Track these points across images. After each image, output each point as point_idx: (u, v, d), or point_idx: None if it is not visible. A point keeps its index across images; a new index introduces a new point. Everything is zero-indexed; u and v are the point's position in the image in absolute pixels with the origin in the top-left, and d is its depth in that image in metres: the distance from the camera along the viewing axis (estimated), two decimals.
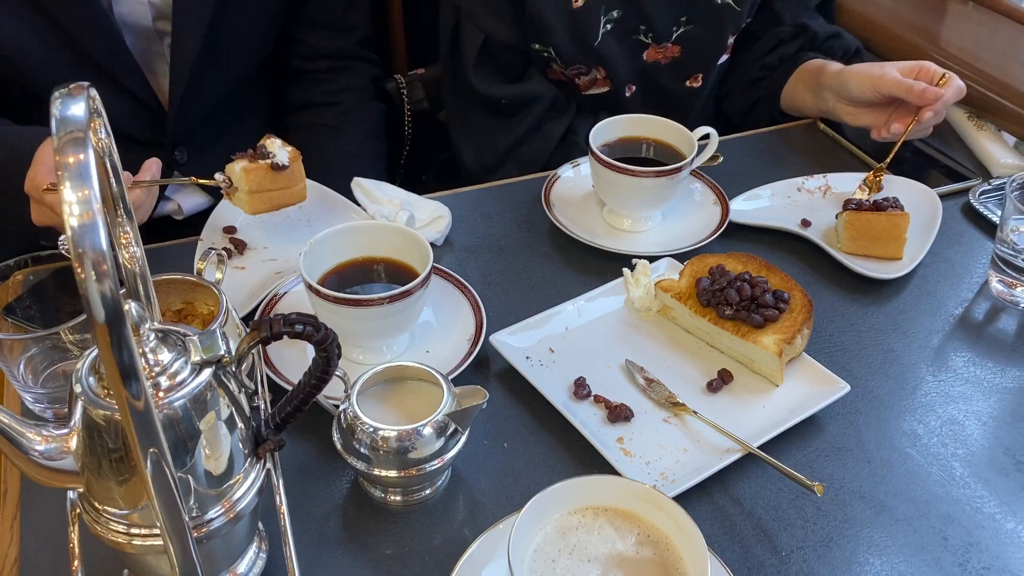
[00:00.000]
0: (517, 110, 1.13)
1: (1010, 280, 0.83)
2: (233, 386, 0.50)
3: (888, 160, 0.96)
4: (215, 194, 0.97)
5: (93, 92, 0.41)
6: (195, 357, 0.48)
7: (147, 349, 0.46)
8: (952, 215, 0.95)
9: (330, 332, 0.50)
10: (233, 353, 0.49)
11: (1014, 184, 0.82)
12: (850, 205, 0.88)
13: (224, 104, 1.08)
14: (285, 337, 0.48)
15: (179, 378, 0.47)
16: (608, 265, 0.85)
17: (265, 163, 0.81)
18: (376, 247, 0.75)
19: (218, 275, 0.69)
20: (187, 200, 1.10)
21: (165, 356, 0.47)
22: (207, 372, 0.48)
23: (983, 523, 0.64)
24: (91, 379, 0.47)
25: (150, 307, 0.51)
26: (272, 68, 1.19)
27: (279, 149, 0.81)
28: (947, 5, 1.29)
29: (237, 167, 0.81)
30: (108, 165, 0.45)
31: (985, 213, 0.94)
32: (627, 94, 1.14)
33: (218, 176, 0.83)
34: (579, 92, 1.15)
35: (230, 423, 0.49)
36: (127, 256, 0.51)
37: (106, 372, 0.39)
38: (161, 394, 0.46)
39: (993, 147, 1.03)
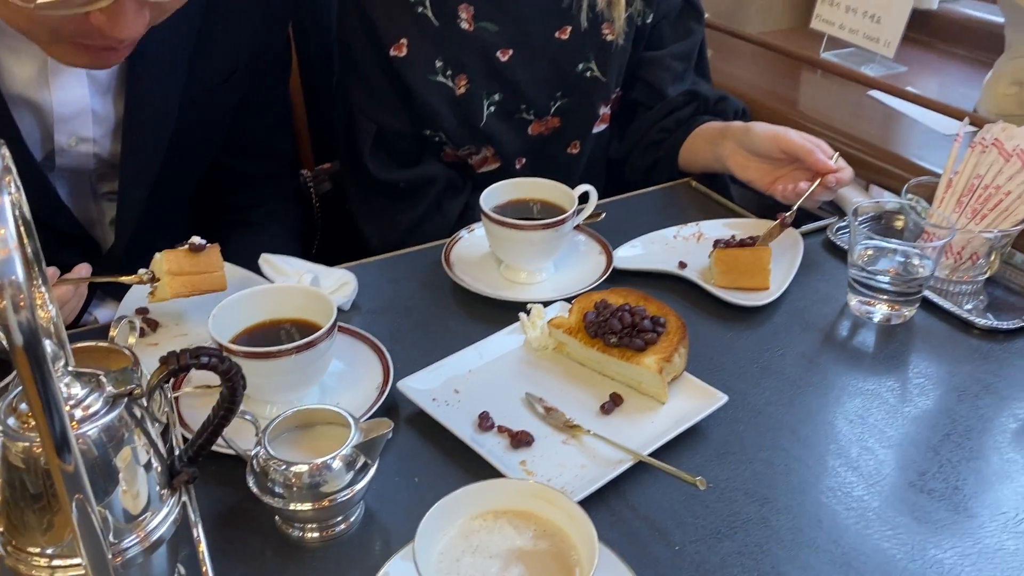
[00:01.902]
0: (415, 191, 1.20)
1: (865, 299, 0.93)
2: (146, 419, 0.54)
3: (793, 212, 1.01)
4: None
5: (5, 151, 0.46)
6: (108, 391, 0.52)
7: (62, 384, 0.50)
8: (815, 250, 1.05)
9: (234, 364, 0.55)
10: (144, 387, 0.53)
11: (854, 214, 0.93)
12: (719, 244, 0.98)
13: (157, 226, 1.12)
14: (192, 369, 0.53)
15: (92, 410, 0.50)
16: (507, 314, 0.91)
17: (183, 248, 0.86)
18: (282, 308, 0.80)
19: (131, 340, 0.72)
20: (104, 313, 1.13)
21: (78, 390, 0.50)
22: (120, 405, 0.52)
23: (852, 505, 0.71)
24: (10, 419, 0.50)
25: (65, 352, 0.55)
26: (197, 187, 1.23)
27: (198, 240, 0.86)
28: (800, 74, 1.45)
29: (158, 256, 0.85)
30: (20, 220, 0.50)
31: (841, 245, 1.04)
32: (517, 167, 1.23)
33: (141, 271, 0.87)
34: (473, 171, 1.24)
35: (143, 454, 0.53)
36: (43, 315, 0.55)
37: (26, 393, 0.43)
38: (75, 424, 0.49)
39: (847, 191, 1.15)
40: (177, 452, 0.58)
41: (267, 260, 0.96)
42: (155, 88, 0.94)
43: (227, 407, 0.56)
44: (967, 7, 1.49)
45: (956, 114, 1.07)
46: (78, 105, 0.95)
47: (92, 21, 0.73)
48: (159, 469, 0.55)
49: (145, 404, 0.54)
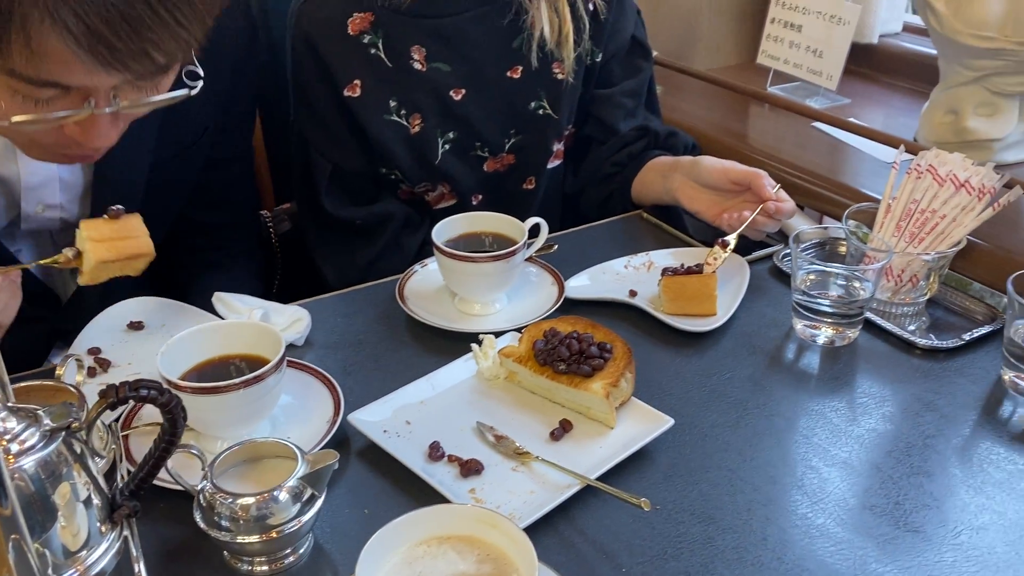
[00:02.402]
0: (373, 229, 1.21)
1: (809, 323, 0.95)
2: (85, 453, 0.54)
3: (734, 238, 1.03)
4: None
5: None
6: (45, 425, 0.52)
7: None
8: (761, 276, 1.08)
9: (174, 396, 0.55)
10: (83, 420, 0.53)
11: (795, 240, 0.95)
12: (667, 272, 1.00)
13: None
14: (131, 401, 0.53)
15: (28, 444, 0.51)
16: (461, 346, 0.92)
17: (103, 217, 0.86)
18: (232, 345, 0.80)
19: (78, 377, 0.72)
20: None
21: (14, 424, 0.51)
22: (57, 439, 0.52)
23: (796, 523, 0.72)
24: None
25: (4, 389, 0.55)
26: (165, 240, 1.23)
27: (117, 207, 0.86)
28: (749, 108, 1.49)
29: (80, 230, 0.84)
30: None
31: (786, 271, 1.07)
32: (474, 203, 1.25)
33: (66, 249, 0.85)
34: (430, 207, 1.26)
35: (82, 488, 0.53)
36: None
37: None
38: (11, 458, 0.50)
39: (797, 220, 1.18)
40: (119, 486, 0.58)
41: (220, 298, 0.97)
42: (124, 155, 0.94)
43: (168, 439, 0.57)
44: (906, 41, 1.54)
45: (896, 143, 1.11)
46: (46, 175, 0.95)
47: (67, 132, 0.75)
48: (99, 504, 0.55)
49: (85, 438, 0.54)
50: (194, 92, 0.77)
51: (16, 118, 0.69)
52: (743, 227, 1.03)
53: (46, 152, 0.81)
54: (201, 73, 0.77)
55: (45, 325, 1.04)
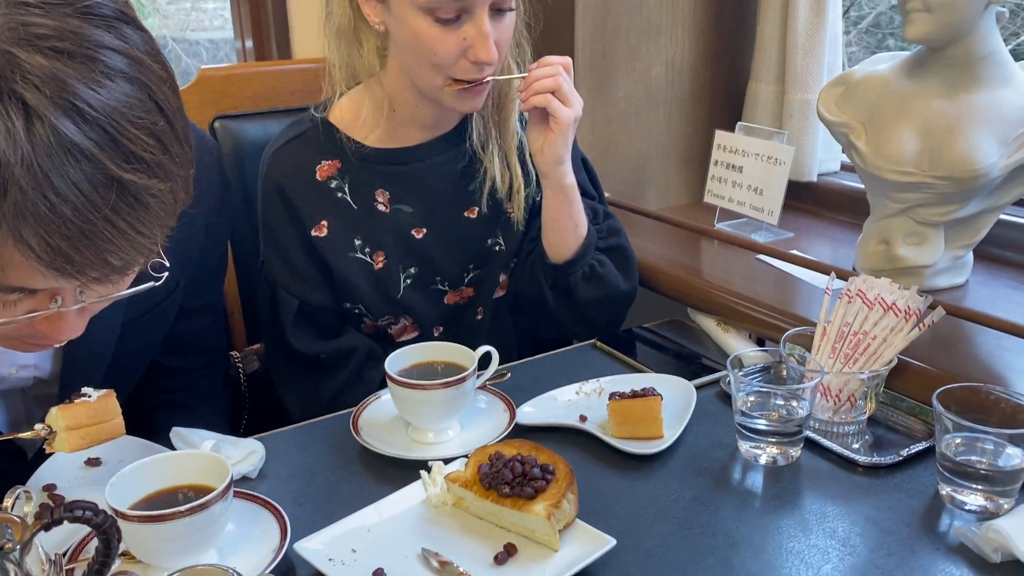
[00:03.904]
0: (336, 363, 1.24)
1: (753, 443, 0.98)
2: (19, 574, 0.55)
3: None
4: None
5: None
6: None
7: None
8: (709, 399, 1.11)
9: (108, 517, 0.57)
10: (16, 542, 0.55)
11: (733, 365, 0.99)
12: (615, 396, 1.03)
13: None
14: (65, 523, 0.55)
15: None
16: (414, 475, 0.94)
17: (80, 401, 0.88)
18: (181, 475, 0.82)
19: (26, 508, 0.73)
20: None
21: None
22: None
23: None
24: None
25: None
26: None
27: (93, 392, 0.88)
28: (699, 244, 1.56)
29: (54, 410, 0.87)
30: None
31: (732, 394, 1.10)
32: (435, 334, 1.30)
33: (38, 426, 0.88)
34: (393, 340, 1.30)
35: None
36: None
37: None
38: None
39: (738, 344, 1.23)
40: None
41: (178, 433, 0.99)
42: (93, 325, 0.97)
43: (101, 560, 0.58)
44: (842, 178, 1.65)
45: (836, 271, 1.17)
46: None
47: (35, 327, 0.76)
48: None
49: (18, 560, 0.55)
50: (159, 284, 0.78)
51: None
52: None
53: (15, 343, 0.81)
54: (167, 264, 0.78)
55: (6, 477, 1.04)
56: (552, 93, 1.13)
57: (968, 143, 1.16)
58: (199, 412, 1.24)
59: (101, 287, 0.73)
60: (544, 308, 1.28)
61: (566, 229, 1.22)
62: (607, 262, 1.26)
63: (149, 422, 1.18)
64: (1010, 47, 1.22)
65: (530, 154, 1.20)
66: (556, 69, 1.14)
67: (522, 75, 1.15)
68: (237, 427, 1.41)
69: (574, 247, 1.22)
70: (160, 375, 1.22)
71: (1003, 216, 1.31)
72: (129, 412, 0.95)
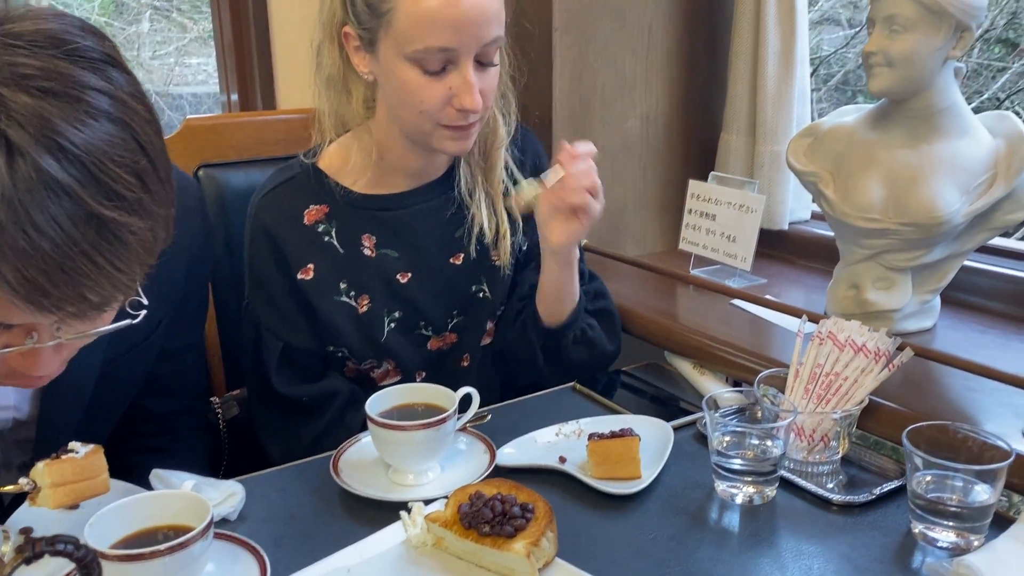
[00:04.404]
0: (318, 406, 1.25)
1: (729, 483, 0.99)
2: None
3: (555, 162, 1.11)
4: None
5: None
6: None
7: None
8: (687, 440, 1.13)
9: (90, 551, 0.57)
10: None
11: (708, 405, 1.01)
12: (594, 437, 1.04)
13: None
14: (46, 556, 0.55)
15: None
16: (394, 516, 0.94)
17: (68, 457, 0.88)
18: (160, 515, 0.82)
19: (3, 548, 0.73)
20: None
21: None
22: None
23: None
24: None
25: None
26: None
27: (80, 447, 0.88)
28: (675, 289, 1.59)
29: (40, 465, 0.87)
30: None
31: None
32: (418, 379, 1.30)
33: (22, 480, 0.88)
34: (375, 384, 1.30)
35: None
36: None
37: None
38: None
39: (713, 385, 1.25)
40: None
41: (157, 475, 0.99)
42: (72, 366, 0.94)
43: None
44: (813, 226, 1.69)
45: (808, 315, 1.20)
46: None
47: (11, 363, 0.77)
48: None
49: None
50: (136, 321, 0.79)
51: None
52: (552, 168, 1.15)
53: None
54: (145, 302, 0.79)
55: None
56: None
57: (931, 191, 1.20)
58: (179, 457, 1.23)
59: (79, 323, 0.74)
60: (532, 365, 1.31)
61: (564, 298, 1.26)
62: (596, 325, 1.30)
63: (128, 467, 1.17)
64: (974, 104, 1.27)
65: (541, 234, 1.22)
66: (590, 164, 1.17)
67: (557, 174, 1.16)
68: (216, 472, 1.41)
69: (568, 312, 1.26)
70: (140, 418, 1.21)
71: (968, 262, 1.36)
72: (108, 456, 0.94)
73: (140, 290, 0.77)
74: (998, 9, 3.08)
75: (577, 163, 1.16)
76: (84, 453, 0.86)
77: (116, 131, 0.68)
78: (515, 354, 1.32)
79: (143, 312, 0.79)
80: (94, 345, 0.99)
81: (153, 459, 1.19)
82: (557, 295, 1.25)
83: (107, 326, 0.78)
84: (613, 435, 1.04)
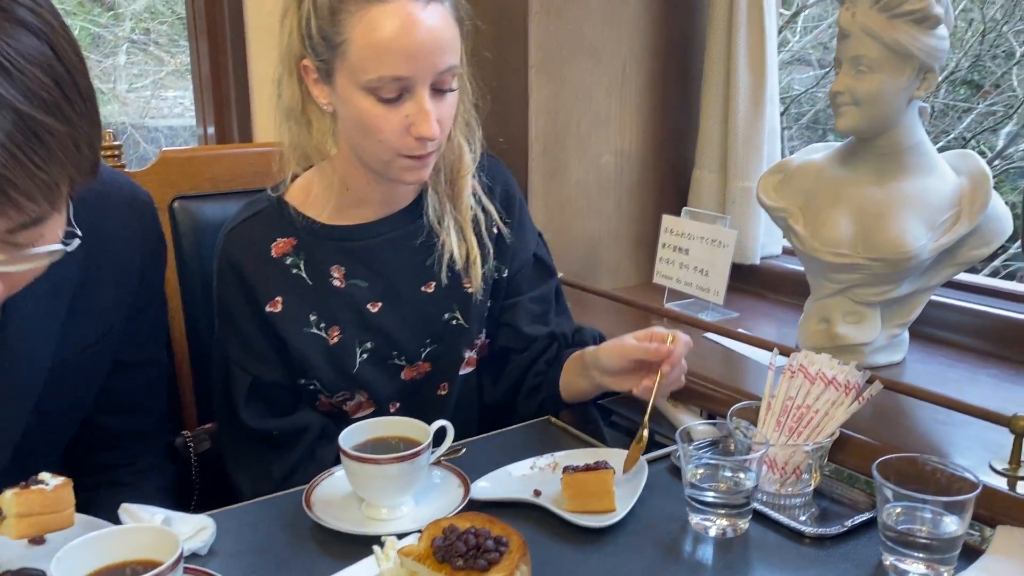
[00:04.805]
0: (289, 440, 1.24)
1: (703, 515, 0.99)
2: None
3: (647, 415, 1.11)
4: None
5: None
6: None
7: None
8: (660, 473, 1.13)
9: None
10: None
11: (682, 438, 1.02)
12: (568, 470, 1.04)
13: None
14: None
15: None
16: (366, 550, 0.93)
17: (36, 488, 0.86)
18: (129, 550, 0.81)
19: None
20: None
21: None
22: None
23: None
24: None
25: None
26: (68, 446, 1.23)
27: (50, 479, 0.87)
28: (650, 322, 1.60)
29: (8, 494, 0.85)
30: None
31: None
32: (392, 410, 1.30)
33: None
34: (348, 417, 1.29)
35: None
36: None
37: None
38: None
39: (687, 418, 1.26)
40: None
41: (126, 509, 0.98)
42: (21, 357, 0.96)
43: None
44: (784, 261, 1.72)
45: (779, 347, 1.21)
46: None
47: None
48: None
49: None
50: (70, 248, 0.81)
51: None
52: (652, 400, 1.11)
53: None
54: (79, 233, 0.81)
55: None
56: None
57: (899, 227, 1.23)
58: (142, 490, 1.21)
59: (11, 249, 0.75)
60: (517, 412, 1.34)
61: (583, 394, 1.28)
62: None
63: (89, 502, 1.15)
64: (940, 144, 1.31)
65: (601, 365, 1.21)
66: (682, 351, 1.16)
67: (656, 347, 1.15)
68: (187, 507, 1.38)
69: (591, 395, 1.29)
70: (97, 441, 1.20)
71: (936, 298, 1.38)
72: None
73: (72, 219, 0.80)
74: (962, 52, 3.17)
75: (678, 349, 1.15)
76: (54, 486, 0.85)
77: (37, 43, 0.72)
78: (504, 403, 1.35)
79: (76, 241, 0.81)
80: (43, 344, 0.98)
81: (115, 493, 1.17)
82: (587, 394, 1.28)
83: (40, 248, 0.79)
84: (588, 468, 1.04)
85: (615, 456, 1.12)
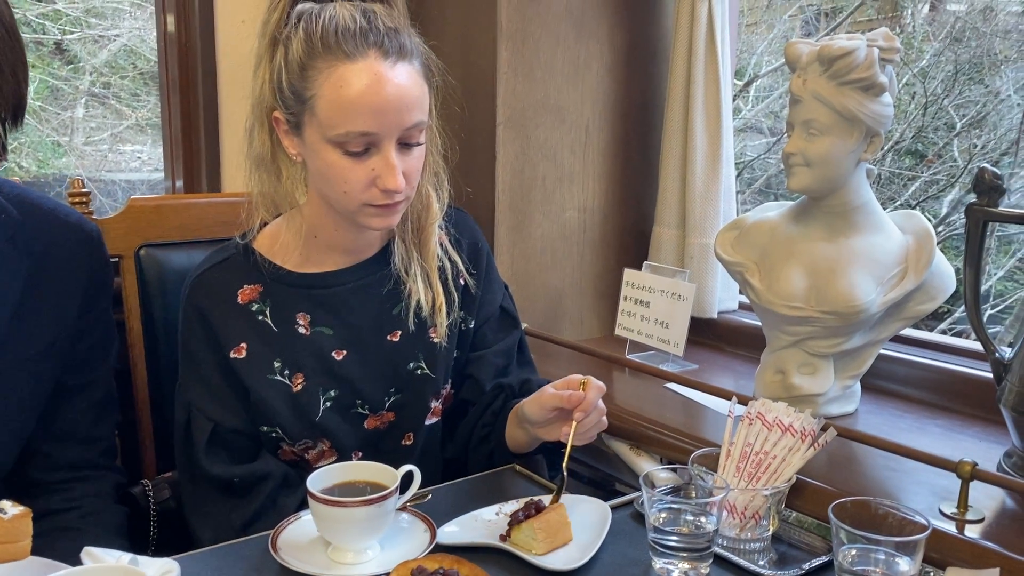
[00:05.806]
0: (249, 488, 1.22)
1: (665, 559, 1.01)
2: None
3: (565, 461, 1.12)
4: None
5: None
6: None
7: None
8: (624, 520, 1.15)
9: None
10: None
11: (644, 483, 1.04)
12: (517, 515, 1.05)
13: None
14: None
15: None
16: None
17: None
18: None
19: None
20: None
21: None
22: None
23: None
24: None
25: None
26: (8, 480, 1.22)
27: (10, 507, 0.86)
28: (612, 373, 1.64)
29: None
30: None
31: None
32: (354, 460, 1.30)
33: None
34: (310, 466, 1.29)
35: None
36: None
37: None
38: None
39: (649, 466, 1.29)
40: None
41: (89, 552, 0.96)
42: None
43: None
44: (741, 316, 1.78)
45: (738, 396, 1.25)
46: None
47: None
48: None
49: None
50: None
51: None
52: (569, 448, 1.13)
53: None
54: (5, 143, 0.88)
55: None
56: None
57: (849, 282, 1.29)
58: (92, 533, 1.18)
59: None
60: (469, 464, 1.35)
61: (525, 445, 1.29)
62: None
63: (40, 548, 1.12)
64: (889, 210, 1.38)
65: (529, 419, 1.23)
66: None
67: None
68: (143, 552, 1.35)
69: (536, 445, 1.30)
70: (39, 472, 1.19)
71: (886, 351, 1.44)
72: None
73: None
74: (906, 123, 3.33)
75: (597, 399, 1.17)
76: (12, 515, 0.84)
77: None
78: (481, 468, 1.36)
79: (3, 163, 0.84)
80: None
81: (66, 537, 1.15)
82: (529, 446, 1.29)
83: None
84: (538, 510, 1.05)
85: (579, 503, 1.14)
